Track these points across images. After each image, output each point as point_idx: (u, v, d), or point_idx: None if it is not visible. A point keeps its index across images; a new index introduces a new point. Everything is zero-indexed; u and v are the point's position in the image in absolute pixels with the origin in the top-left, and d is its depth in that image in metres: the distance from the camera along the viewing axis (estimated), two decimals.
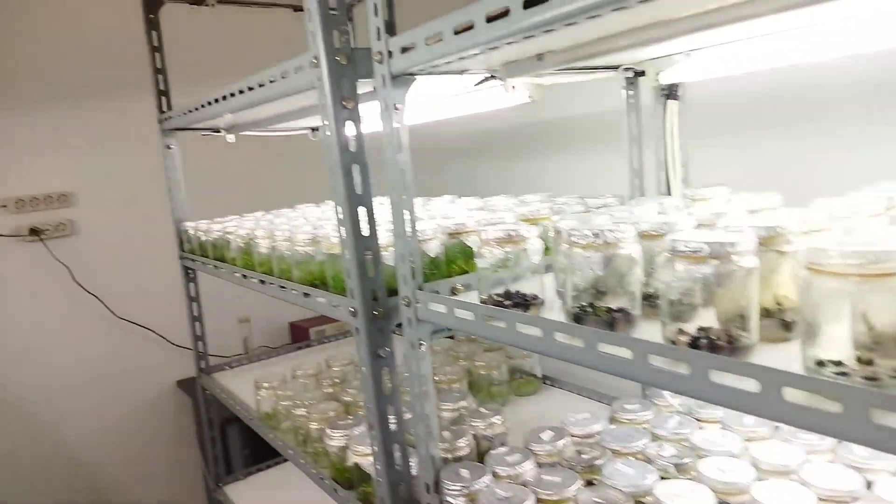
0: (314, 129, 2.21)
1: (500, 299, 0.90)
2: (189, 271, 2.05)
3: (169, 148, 1.99)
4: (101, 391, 2.69)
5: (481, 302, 0.92)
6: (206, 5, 1.96)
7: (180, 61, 2.04)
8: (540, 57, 1.01)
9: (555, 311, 0.90)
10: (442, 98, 1.41)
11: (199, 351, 2.10)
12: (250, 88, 1.32)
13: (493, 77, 1.13)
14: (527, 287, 0.92)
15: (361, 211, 1.09)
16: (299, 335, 2.81)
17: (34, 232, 2.54)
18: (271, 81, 1.23)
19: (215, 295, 2.29)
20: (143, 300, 2.71)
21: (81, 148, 2.60)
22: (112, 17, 2.42)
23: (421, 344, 1.04)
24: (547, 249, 1.02)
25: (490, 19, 0.80)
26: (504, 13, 0.78)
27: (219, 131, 1.95)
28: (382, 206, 1.18)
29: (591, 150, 2.14)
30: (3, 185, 2.48)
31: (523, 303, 0.89)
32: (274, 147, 2.47)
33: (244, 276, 1.55)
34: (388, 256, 1.13)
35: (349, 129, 1.07)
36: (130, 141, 2.59)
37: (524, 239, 0.89)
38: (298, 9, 2.15)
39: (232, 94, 1.41)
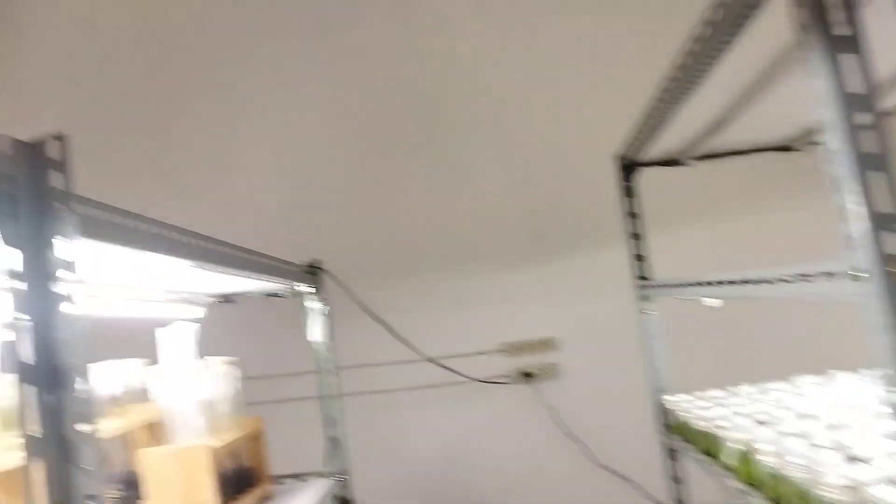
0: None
1: None
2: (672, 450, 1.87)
3: (644, 313, 1.90)
4: None
5: None
6: (682, 165, 1.85)
7: (652, 210, 1.96)
8: None
9: None
10: None
11: None
12: (747, 281, 1.10)
13: None
14: None
15: None
16: None
17: (525, 375, 2.79)
18: (781, 280, 0.99)
19: None
20: (623, 449, 2.63)
21: (564, 297, 2.78)
22: (590, 182, 2.54)
23: None
24: None
25: None
26: None
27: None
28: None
29: None
30: (503, 332, 2.81)
31: None
32: (758, 305, 2.16)
33: (744, 494, 1.27)
34: None
35: None
36: (608, 291, 2.61)
37: None
38: (784, 149, 1.86)
39: (724, 282, 1.21)
